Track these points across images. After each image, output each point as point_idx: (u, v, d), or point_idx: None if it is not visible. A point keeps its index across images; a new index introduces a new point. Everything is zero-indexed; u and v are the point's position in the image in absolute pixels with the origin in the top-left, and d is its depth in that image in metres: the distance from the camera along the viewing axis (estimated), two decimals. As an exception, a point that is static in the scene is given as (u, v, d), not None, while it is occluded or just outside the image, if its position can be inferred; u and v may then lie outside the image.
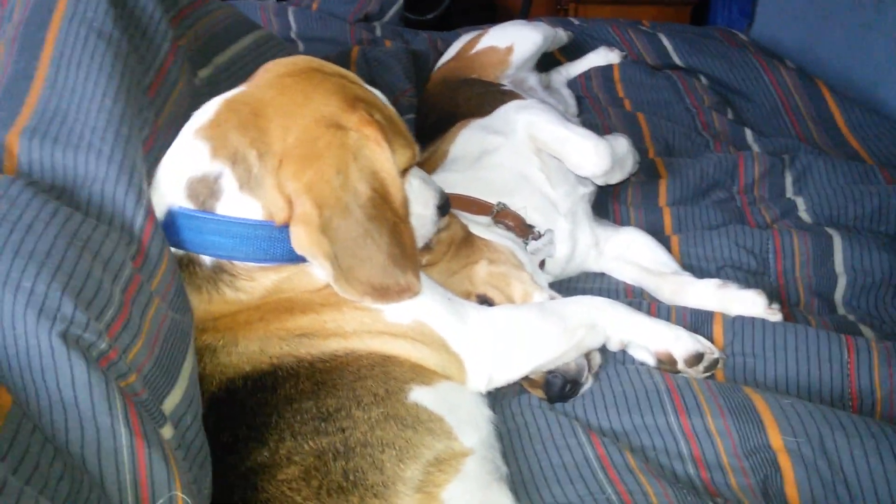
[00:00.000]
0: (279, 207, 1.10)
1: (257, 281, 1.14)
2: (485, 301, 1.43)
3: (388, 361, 1.14)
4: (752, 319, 1.39)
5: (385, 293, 1.12)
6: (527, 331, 1.28)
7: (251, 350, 1.11)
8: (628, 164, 1.74)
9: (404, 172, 1.24)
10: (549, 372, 1.31)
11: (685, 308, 1.48)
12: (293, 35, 2.80)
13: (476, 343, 1.23)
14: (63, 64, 1.14)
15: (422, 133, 2.12)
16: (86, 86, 1.12)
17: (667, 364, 1.35)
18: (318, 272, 1.15)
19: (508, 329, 1.27)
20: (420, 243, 1.32)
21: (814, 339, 1.32)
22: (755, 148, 2.15)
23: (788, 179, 1.94)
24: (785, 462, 1.15)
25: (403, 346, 1.17)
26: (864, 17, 2.72)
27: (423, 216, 1.30)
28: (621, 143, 1.72)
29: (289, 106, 1.13)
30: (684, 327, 1.39)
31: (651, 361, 1.37)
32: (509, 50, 2.25)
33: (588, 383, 1.33)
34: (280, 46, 1.86)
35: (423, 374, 1.16)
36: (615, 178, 1.71)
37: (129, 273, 0.98)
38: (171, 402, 0.99)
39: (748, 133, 2.23)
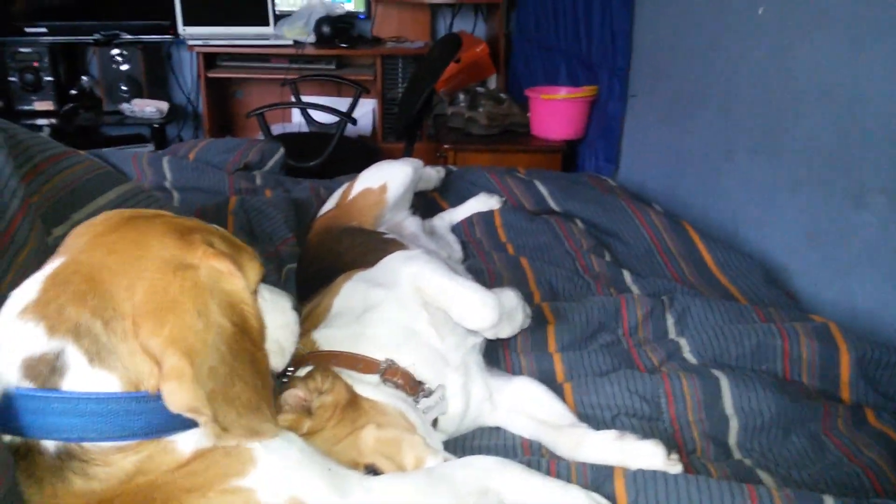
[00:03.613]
0: (145, 371, 0.98)
1: (114, 465, 0.98)
2: (373, 471, 1.30)
3: None
4: (654, 473, 1.33)
5: (256, 431, 1.03)
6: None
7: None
8: (518, 318, 1.71)
9: (255, 290, 1.16)
10: (448, 548, 1.19)
11: (585, 464, 1.41)
12: (167, 185, 2.71)
13: None
14: None
15: (304, 284, 2.04)
16: None
17: None
18: (183, 443, 1.02)
19: (393, 503, 1.15)
20: (291, 351, 1.28)
21: (717, 492, 1.27)
22: (634, 289, 2.20)
23: (670, 321, 1.97)
24: None
25: None
26: (715, 165, 2.95)
27: (287, 324, 1.26)
28: (509, 297, 1.69)
29: (124, 263, 1.02)
30: (585, 485, 1.31)
31: (548, 525, 1.28)
32: (383, 189, 2.27)
33: (491, 557, 1.22)
34: (150, 199, 1.76)
35: None
36: (504, 333, 1.66)
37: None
38: None
39: (626, 275, 2.28)
